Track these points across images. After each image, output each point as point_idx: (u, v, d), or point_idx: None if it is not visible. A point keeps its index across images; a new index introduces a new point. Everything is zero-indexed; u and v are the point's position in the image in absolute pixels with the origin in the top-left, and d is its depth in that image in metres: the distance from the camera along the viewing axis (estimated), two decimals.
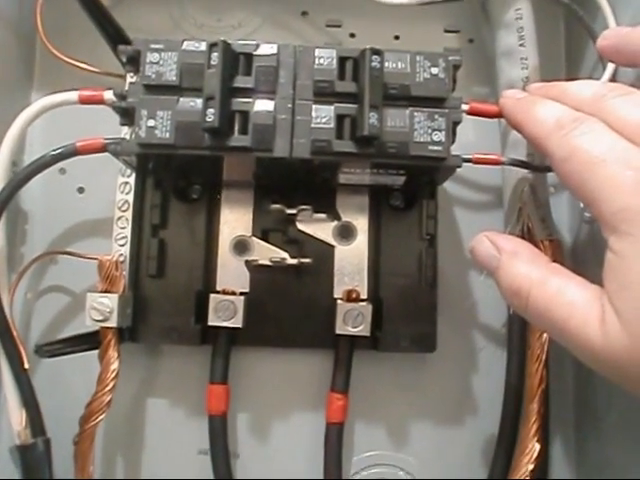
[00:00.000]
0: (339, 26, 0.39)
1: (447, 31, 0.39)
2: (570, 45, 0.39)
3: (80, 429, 0.31)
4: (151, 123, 0.28)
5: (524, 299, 0.24)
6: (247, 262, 0.35)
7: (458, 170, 0.30)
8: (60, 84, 0.33)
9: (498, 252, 0.26)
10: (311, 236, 0.35)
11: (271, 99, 0.28)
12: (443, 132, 0.28)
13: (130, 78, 0.31)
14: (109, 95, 0.31)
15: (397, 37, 0.39)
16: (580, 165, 0.23)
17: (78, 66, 0.36)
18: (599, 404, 0.34)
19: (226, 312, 0.33)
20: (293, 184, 0.34)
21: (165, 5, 0.40)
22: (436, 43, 0.39)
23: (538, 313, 0.24)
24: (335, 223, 0.35)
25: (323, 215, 0.35)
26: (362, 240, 0.35)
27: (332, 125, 0.28)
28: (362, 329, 0.33)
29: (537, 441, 0.31)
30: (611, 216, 0.22)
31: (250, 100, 0.28)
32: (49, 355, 0.32)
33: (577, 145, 0.23)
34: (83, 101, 0.32)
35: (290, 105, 0.28)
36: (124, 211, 0.34)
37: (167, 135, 0.28)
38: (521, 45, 0.34)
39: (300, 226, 0.35)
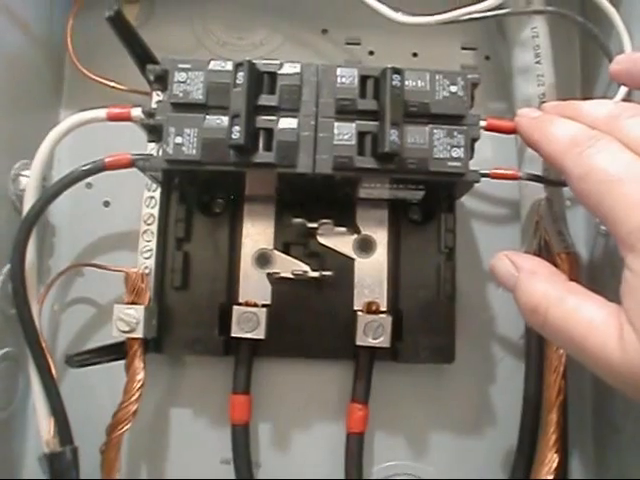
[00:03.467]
0: (358, 44, 0.40)
1: (464, 48, 0.40)
2: (585, 62, 0.39)
3: (107, 438, 0.32)
4: (178, 140, 0.29)
5: (542, 317, 0.24)
6: (269, 275, 0.35)
7: (476, 184, 0.31)
8: (87, 101, 0.34)
9: (517, 271, 0.27)
10: (331, 249, 0.36)
11: (294, 117, 0.29)
12: (462, 148, 0.29)
13: (157, 96, 0.32)
14: (136, 112, 0.32)
15: (415, 54, 0.40)
16: (596, 184, 0.23)
17: (107, 84, 0.37)
18: (617, 414, 0.34)
19: (249, 323, 0.34)
20: (314, 198, 0.35)
21: (189, 24, 0.41)
22: (453, 60, 0.40)
23: (556, 330, 0.24)
24: (355, 236, 0.36)
25: (343, 229, 0.35)
26: (381, 253, 0.36)
27: (354, 142, 0.29)
28: (382, 340, 0.33)
29: (556, 452, 0.32)
30: (628, 235, 0.22)
31: (274, 118, 0.29)
32: (79, 365, 0.33)
33: (593, 163, 0.24)
34: (111, 118, 0.33)
35: (313, 122, 0.29)
36: (149, 225, 0.35)
37: (194, 152, 0.29)
38: (537, 62, 0.34)
39: (321, 239, 0.36)
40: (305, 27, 0.40)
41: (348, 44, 0.40)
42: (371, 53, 0.40)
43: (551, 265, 0.27)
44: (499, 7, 0.33)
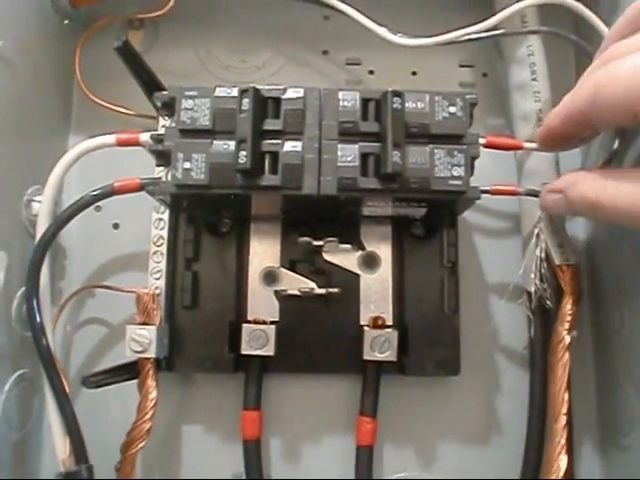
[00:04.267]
0: (359, 64, 0.41)
1: (462, 66, 0.41)
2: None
3: (122, 456, 0.33)
4: (187, 165, 0.30)
5: (599, 209, 0.27)
6: (276, 292, 0.36)
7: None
8: (96, 127, 0.35)
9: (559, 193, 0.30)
10: (337, 266, 0.37)
11: (299, 140, 0.30)
12: (462, 167, 0.30)
13: (164, 121, 0.33)
14: (145, 137, 0.33)
15: (414, 73, 0.41)
16: None
17: (115, 109, 0.38)
18: (623, 422, 0.35)
19: (258, 341, 0.34)
20: (319, 217, 0.36)
21: (192, 47, 0.42)
22: (452, 77, 0.41)
23: (607, 209, 0.26)
24: (360, 253, 0.36)
25: (348, 246, 0.36)
26: (386, 269, 0.36)
27: (357, 163, 0.30)
28: (389, 354, 0.34)
29: (563, 460, 0.32)
30: None
31: (279, 141, 0.30)
32: (95, 386, 0.33)
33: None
34: (120, 144, 0.34)
35: (317, 145, 0.30)
36: (159, 246, 0.36)
37: (202, 176, 0.30)
38: (534, 79, 0.35)
39: (326, 256, 0.36)
40: (306, 48, 0.41)
41: (348, 64, 0.41)
42: (371, 72, 0.41)
43: (583, 171, 0.29)
44: (495, 28, 0.34)
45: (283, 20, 0.42)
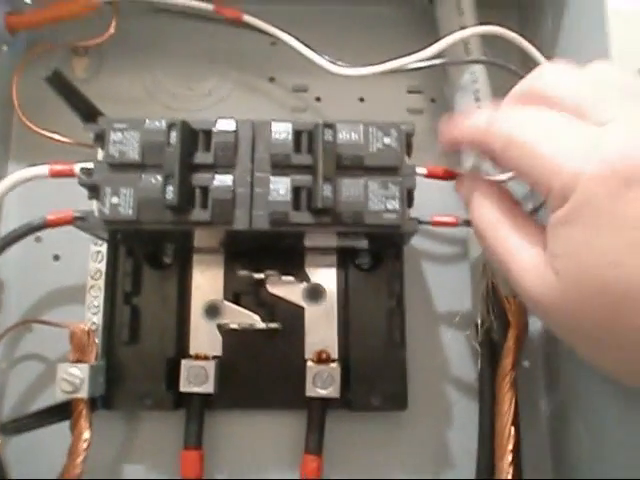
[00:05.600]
0: (305, 91, 0.41)
1: (410, 92, 0.41)
2: None
3: None
4: (115, 200, 0.29)
5: (481, 239, 0.28)
6: (219, 326, 0.35)
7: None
8: (36, 154, 0.34)
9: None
10: (281, 298, 0.36)
11: (230, 173, 0.29)
12: (397, 200, 0.29)
13: (100, 153, 0.32)
14: (78, 170, 0.32)
15: (362, 99, 0.41)
16: (517, 149, 0.24)
17: (51, 137, 0.37)
18: (572, 454, 0.34)
19: (197, 377, 0.33)
20: (261, 248, 0.35)
21: (138, 75, 0.41)
22: (400, 104, 0.40)
23: (489, 252, 0.27)
24: (304, 285, 0.36)
25: (292, 278, 0.35)
26: (331, 301, 0.36)
27: (289, 197, 0.29)
28: (332, 391, 0.33)
29: None
30: (550, 191, 0.23)
31: (209, 175, 0.29)
32: (15, 432, 0.32)
33: (510, 129, 0.25)
34: (54, 175, 0.33)
35: (249, 178, 0.29)
36: (96, 279, 0.35)
37: (130, 212, 0.29)
38: (478, 106, 0.35)
39: (270, 289, 0.36)
40: (253, 75, 0.41)
41: (295, 91, 0.41)
42: (318, 99, 0.41)
43: (500, 190, 0.28)
44: (438, 56, 0.34)
45: (230, 46, 0.41)
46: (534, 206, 0.34)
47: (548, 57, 0.33)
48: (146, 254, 0.36)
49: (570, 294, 0.23)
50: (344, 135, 0.29)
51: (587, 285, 0.22)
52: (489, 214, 0.27)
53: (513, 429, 0.32)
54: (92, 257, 0.35)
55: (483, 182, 0.29)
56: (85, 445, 0.32)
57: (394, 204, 0.29)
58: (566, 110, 0.24)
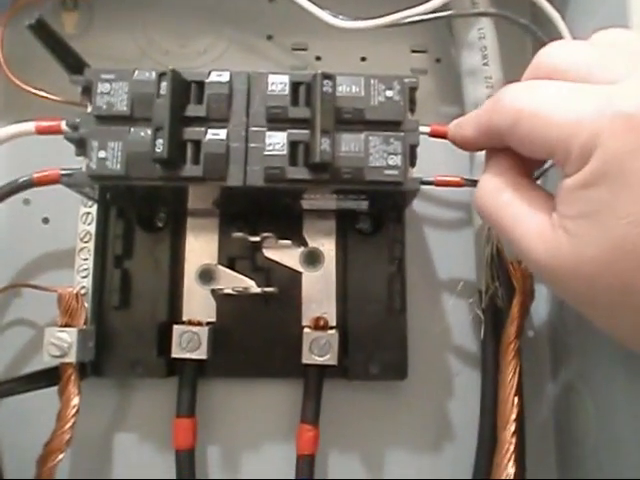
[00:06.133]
0: (305, 49, 0.39)
1: (414, 51, 0.39)
2: None
3: (38, 470, 0.30)
4: (102, 154, 0.28)
5: (479, 207, 0.26)
6: (213, 291, 0.34)
7: (428, 188, 0.30)
8: (24, 113, 0.32)
9: None
10: (278, 263, 0.34)
11: (224, 127, 0.28)
12: (399, 156, 0.28)
13: (90, 107, 0.31)
14: (65, 125, 0.30)
15: (364, 58, 0.39)
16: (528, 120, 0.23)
17: (38, 94, 0.35)
18: (578, 426, 0.33)
19: (190, 343, 0.32)
20: (258, 211, 0.34)
21: (131, 33, 0.39)
22: (403, 63, 0.39)
23: (490, 221, 0.26)
24: (302, 249, 0.34)
25: (289, 242, 0.34)
26: (330, 266, 0.34)
27: (285, 152, 0.28)
28: (329, 358, 0.32)
29: (511, 470, 0.30)
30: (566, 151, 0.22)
31: (202, 129, 0.28)
32: (0, 396, 0.31)
33: (517, 102, 0.24)
34: (41, 132, 0.31)
35: (243, 133, 0.28)
36: (86, 242, 0.34)
37: (118, 167, 0.28)
38: (485, 64, 0.33)
39: (267, 253, 0.34)
40: (250, 33, 0.39)
41: (294, 50, 0.39)
42: (318, 58, 0.39)
43: (514, 157, 0.26)
44: (443, 9, 0.32)
45: (226, 3, 0.39)
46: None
47: (559, 10, 0.32)
48: (138, 216, 0.35)
49: (586, 256, 0.21)
50: (344, 88, 0.28)
51: (606, 246, 0.21)
52: (489, 182, 0.26)
53: (517, 399, 0.31)
54: (81, 219, 0.34)
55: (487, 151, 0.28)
56: (74, 411, 0.31)
57: (396, 160, 0.27)
58: (577, 80, 0.23)
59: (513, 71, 0.34)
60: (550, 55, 0.25)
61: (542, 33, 0.32)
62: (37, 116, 0.31)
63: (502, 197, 0.25)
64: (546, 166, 0.29)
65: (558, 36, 0.32)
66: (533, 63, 0.25)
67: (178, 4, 0.39)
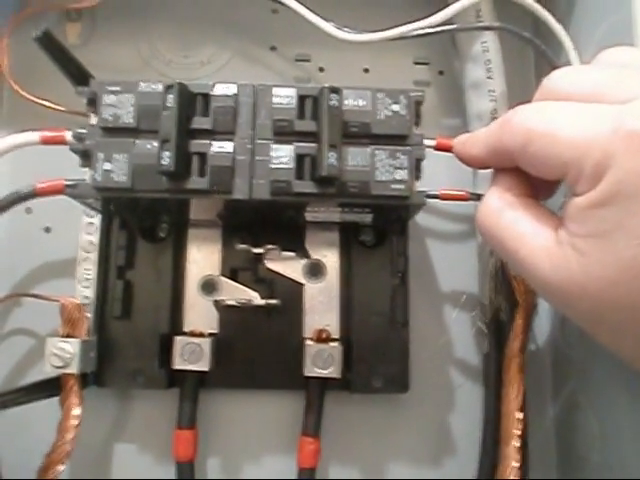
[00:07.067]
0: (308, 60, 0.39)
1: (417, 63, 0.39)
2: (540, 76, 0.38)
3: None
4: (107, 166, 0.28)
5: (481, 227, 0.26)
6: (216, 302, 0.34)
7: (431, 200, 0.30)
8: (28, 123, 0.32)
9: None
10: (281, 275, 0.34)
11: (230, 140, 0.28)
12: (405, 170, 0.28)
13: (93, 118, 0.31)
14: (70, 136, 0.30)
15: (367, 70, 0.39)
16: (539, 140, 0.23)
17: (42, 104, 0.36)
18: (581, 443, 0.33)
19: (192, 355, 0.32)
20: (261, 222, 0.34)
21: (134, 42, 0.39)
22: (406, 75, 0.39)
23: (492, 242, 0.25)
24: (305, 261, 0.34)
25: (292, 253, 0.34)
26: (332, 278, 0.34)
27: (292, 165, 0.27)
28: (332, 371, 0.32)
29: None
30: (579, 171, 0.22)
31: (208, 141, 0.28)
32: (2, 407, 0.31)
33: (528, 122, 0.24)
34: (46, 142, 0.31)
35: (250, 145, 0.28)
36: (89, 252, 0.34)
37: (124, 179, 0.27)
38: (489, 77, 0.33)
39: (269, 265, 0.34)
40: (253, 44, 0.39)
41: (298, 60, 0.39)
42: (321, 70, 0.39)
43: (520, 177, 0.26)
44: (447, 22, 0.32)
45: (229, 13, 0.39)
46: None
47: (563, 23, 0.32)
48: (140, 227, 0.35)
49: (594, 275, 0.21)
50: (350, 101, 0.28)
51: (616, 266, 0.21)
52: (492, 201, 0.26)
53: (521, 414, 0.31)
54: (84, 229, 0.34)
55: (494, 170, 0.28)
56: (75, 422, 0.30)
57: (402, 174, 0.27)
58: (587, 101, 0.23)
59: (516, 84, 0.34)
60: (557, 80, 0.24)
61: (545, 46, 0.32)
62: (38, 126, 0.31)
63: (505, 216, 0.25)
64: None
65: (562, 48, 0.32)
66: (540, 89, 0.25)
67: (181, 14, 0.39)
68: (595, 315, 0.22)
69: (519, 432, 0.31)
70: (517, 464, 0.30)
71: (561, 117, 0.22)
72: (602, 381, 0.31)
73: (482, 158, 0.27)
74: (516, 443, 0.30)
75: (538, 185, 0.26)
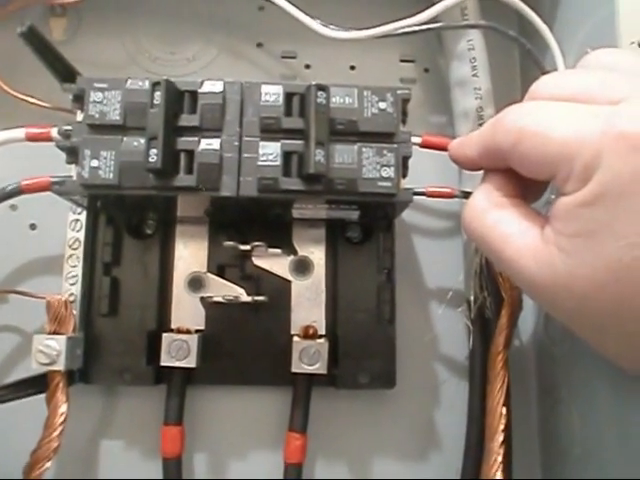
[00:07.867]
0: (294, 57, 0.39)
1: (403, 61, 0.39)
2: (525, 76, 0.38)
3: (24, 478, 0.30)
4: (94, 163, 0.28)
5: (466, 227, 0.26)
6: (202, 299, 0.34)
7: (417, 197, 0.30)
8: (13, 120, 0.32)
9: None
10: (267, 271, 0.34)
11: (217, 137, 0.28)
12: (392, 168, 0.28)
13: (80, 115, 0.31)
14: (56, 133, 0.30)
15: (353, 67, 0.39)
16: (530, 139, 0.23)
17: (27, 100, 0.35)
18: (563, 437, 0.33)
19: (179, 352, 0.32)
20: (248, 219, 0.34)
21: (119, 39, 0.39)
22: (392, 73, 0.39)
23: (478, 242, 0.26)
24: (291, 258, 0.34)
25: (278, 250, 0.34)
26: (319, 275, 0.34)
27: (279, 162, 0.28)
28: (319, 367, 0.32)
29: (499, 478, 0.31)
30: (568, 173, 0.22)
31: (195, 139, 0.28)
32: None
33: (520, 122, 0.24)
34: (31, 139, 0.31)
35: (237, 143, 0.28)
36: (75, 249, 0.34)
37: (111, 176, 0.27)
38: (474, 75, 0.34)
39: (256, 261, 0.34)
40: (239, 40, 0.39)
41: (284, 57, 0.39)
42: (307, 67, 0.39)
43: (508, 177, 0.26)
44: (433, 20, 0.32)
45: (215, 10, 0.39)
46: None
47: (547, 22, 0.32)
48: (127, 224, 0.35)
49: (579, 275, 0.21)
50: (338, 99, 0.28)
51: (601, 266, 0.21)
52: (479, 201, 0.26)
53: (505, 409, 0.31)
54: (70, 226, 0.34)
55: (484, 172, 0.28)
56: (62, 419, 0.30)
57: (389, 172, 0.28)
58: (576, 101, 0.23)
59: (502, 82, 0.35)
60: (545, 85, 0.24)
61: (530, 45, 0.32)
62: (23, 123, 0.31)
63: (491, 216, 0.25)
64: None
65: (547, 47, 0.32)
66: (528, 94, 0.25)
67: (167, 11, 0.39)
68: (579, 314, 0.23)
69: (503, 427, 0.31)
70: (501, 459, 0.31)
71: (553, 117, 0.23)
72: (584, 377, 0.31)
73: (475, 159, 0.27)
74: (500, 438, 0.31)
75: (526, 187, 0.26)
